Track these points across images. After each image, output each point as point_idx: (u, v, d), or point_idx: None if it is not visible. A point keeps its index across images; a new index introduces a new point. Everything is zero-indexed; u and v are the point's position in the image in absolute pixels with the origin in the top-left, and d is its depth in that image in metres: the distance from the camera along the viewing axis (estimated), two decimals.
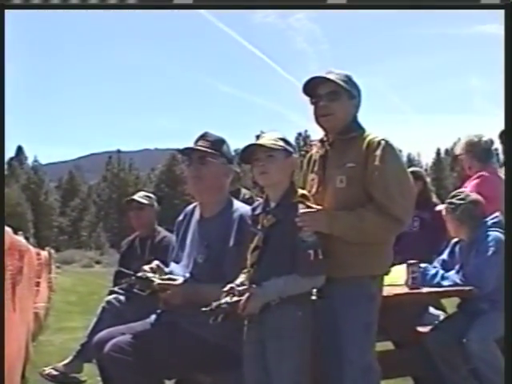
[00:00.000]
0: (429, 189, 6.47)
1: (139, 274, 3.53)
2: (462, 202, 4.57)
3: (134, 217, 5.90)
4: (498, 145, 5.59)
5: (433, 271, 4.51)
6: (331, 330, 3.30)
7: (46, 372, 5.56)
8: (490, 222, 4.49)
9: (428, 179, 6.67)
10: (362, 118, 3.50)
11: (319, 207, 3.25)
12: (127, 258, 5.77)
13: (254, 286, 3.14)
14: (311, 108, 3.44)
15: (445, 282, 4.42)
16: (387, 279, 3.57)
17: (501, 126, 4.75)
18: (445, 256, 4.75)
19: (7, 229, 4.46)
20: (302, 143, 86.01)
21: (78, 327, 8.77)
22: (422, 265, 4.45)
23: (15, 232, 5.52)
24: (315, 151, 3.57)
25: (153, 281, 3.47)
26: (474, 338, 4.19)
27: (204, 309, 3.07)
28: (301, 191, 3.33)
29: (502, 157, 5.82)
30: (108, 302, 5.55)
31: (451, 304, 4.99)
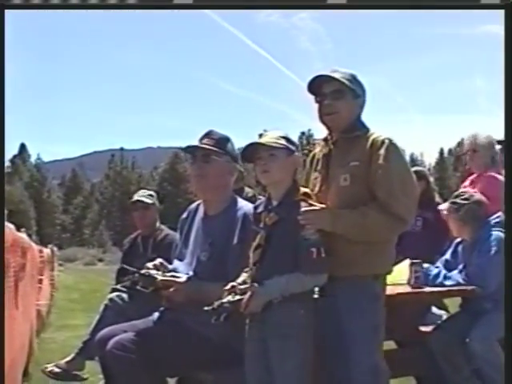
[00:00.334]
0: (432, 188, 6.46)
1: (142, 271, 3.53)
2: (466, 201, 4.56)
3: (138, 217, 5.90)
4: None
5: (435, 271, 4.50)
6: (335, 329, 3.30)
7: (49, 369, 5.56)
8: (492, 222, 4.49)
9: (431, 179, 6.66)
10: (366, 117, 3.49)
11: (322, 205, 3.25)
12: (130, 256, 5.77)
13: (255, 284, 3.13)
14: (315, 107, 3.44)
15: (447, 282, 4.41)
16: (389, 278, 3.57)
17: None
18: (447, 256, 4.74)
19: (10, 226, 4.47)
20: (305, 142, 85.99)
21: (81, 325, 8.79)
22: (425, 265, 4.45)
23: (18, 229, 5.53)
24: (319, 150, 3.58)
25: (156, 278, 3.47)
26: (477, 338, 4.19)
27: (206, 308, 3.07)
28: (303, 189, 3.33)
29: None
30: (110, 300, 5.55)
31: (453, 304, 4.98)
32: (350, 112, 3.39)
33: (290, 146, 3.31)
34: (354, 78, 3.41)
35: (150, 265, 3.60)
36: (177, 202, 68.14)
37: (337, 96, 3.35)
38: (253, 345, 3.26)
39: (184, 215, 3.99)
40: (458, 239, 4.73)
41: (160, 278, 3.48)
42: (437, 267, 4.59)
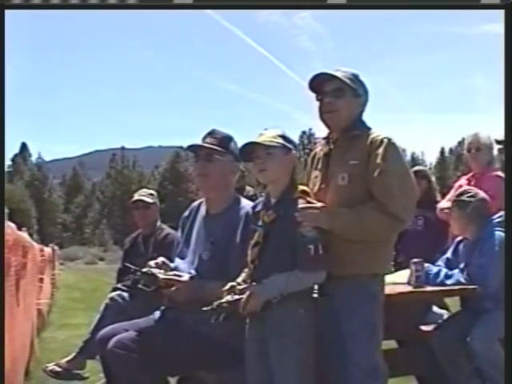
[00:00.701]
0: (433, 188, 6.46)
1: (144, 270, 3.52)
2: (472, 199, 4.55)
3: (139, 216, 5.90)
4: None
5: (435, 270, 4.50)
6: (334, 329, 3.29)
7: (49, 368, 5.57)
8: (495, 221, 4.48)
9: (433, 178, 6.66)
10: (366, 116, 3.50)
11: (320, 203, 3.25)
12: (130, 255, 5.77)
13: (254, 284, 3.13)
14: (315, 106, 3.44)
15: (449, 281, 4.41)
16: (390, 277, 3.56)
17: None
18: (449, 255, 4.74)
19: (11, 225, 4.47)
20: (306, 141, 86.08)
21: (81, 324, 8.78)
22: (425, 264, 4.44)
23: (19, 228, 5.54)
24: (319, 149, 3.58)
25: (158, 277, 3.47)
26: (478, 337, 4.18)
27: (205, 308, 3.07)
28: (301, 187, 3.33)
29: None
30: (111, 299, 5.55)
31: (454, 303, 4.98)
32: (350, 111, 3.39)
33: (287, 145, 3.31)
34: (355, 77, 3.41)
35: (152, 263, 3.60)
36: (178, 201, 68.18)
37: (337, 94, 3.35)
38: (252, 344, 3.26)
39: (186, 213, 3.99)
40: (459, 238, 4.72)
41: (162, 276, 3.48)
42: (438, 266, 4.59)
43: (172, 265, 3.72)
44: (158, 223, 5.89)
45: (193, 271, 3.60)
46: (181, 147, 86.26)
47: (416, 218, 5.96)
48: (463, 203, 4.57)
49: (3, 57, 3.98)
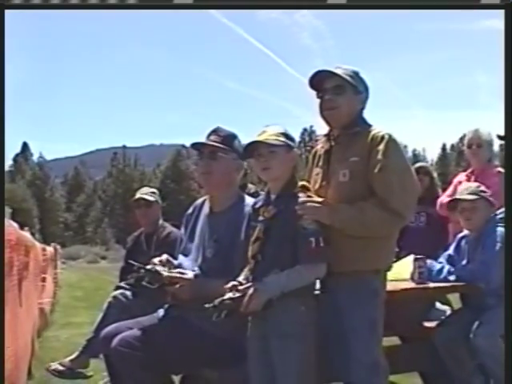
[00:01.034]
0: (436, 184, 6.45)
1: (148, 267, 3.51)
2: (483, 194, 4.54)
3: (141, 214, 5.90)
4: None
5: (438, 266, 4.49)
6: (335, 325, 3.30)
7: (53, 367, 5.57)
8: (498, 217, 4.47)
9: (435, 174, 6.64)
10: (367, 113, 3.51)
11: (320, 199, 3.25)
12: (133, 254, 5.75)
13: (255, 283, 3.12)
14: (316, 103, 3.44)
15: (451, 277, 4.40)
16: (392, 274, 3.56)
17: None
18: (451, 251, 4.72)
19: (14, 224, 4.47)
20: (307, 138, 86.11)
21: (84, 322, 8.81)
22: (428, 261, 4.44)
23: (21, 228, 5.54)
24: (320, 146, 3.58)
25: (162, 274, 3.46)
26: (481, 334, 4.18)
27: (207, 305, 3.07)
28: (301, 182, 3.34)
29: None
30: (114, 298, 5.55)
31: (457, 299, 4.98)
32: (350, 108, 3.39)
33: (290, 143, 3.32)
34: (355, 75, 3.41)
35: (156, 261, 3.59)
36: (179, 199, 68.15)
37: (338, 91, 3.35)
38: (255, 342, 3.26)
39: (189, 211, 3.99)
40: (461, 234, 4.72)
41: (166, 274, 3.47)
42: (440, 263, 4.58)
43: (175, 262, 3.72)
44: (161, 221, 5.88)
45: (196, 269, 3.60)
46: (182, 145, 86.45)
47: (418, 214, 5.96)
48: (479, 196, 4.54)
49: (3, 57, 3.98)
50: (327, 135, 3.50)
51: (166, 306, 3.74)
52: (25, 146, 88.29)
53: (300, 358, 3.12)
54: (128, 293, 5.52)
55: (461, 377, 4.34)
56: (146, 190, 6.10)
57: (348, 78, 3.35)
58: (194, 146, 3.76)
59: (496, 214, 4.50)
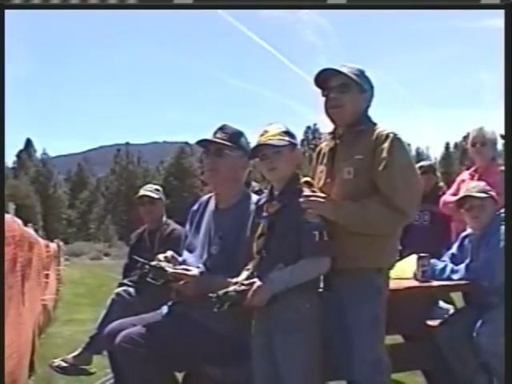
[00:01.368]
0: (440, 183, 6.45)
1: (153, 263, 3.52)
2: (490, 193, 4.53)
3: (145, 212, 5.90)
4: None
5: (441, 265, 4.49)
6: (339, 322, 3.31)
7: (56, 364, 5.58)
8: (502, 216, 4.47)
9: (438, 173, 6.64)
10: (371, 111, 3.51)
11: (324, 195, 3.26)
12: (136, 251, 5.75)
13: (260, 278, 3.12)
14: (320, 101, 3.45)
15: (455, 276, 4.40)
16: (395, 272, 3.56)
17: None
18: (454, 250, 4.72)
19: (18, 221, 4.48)
20: (310, 137, 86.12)
21: (87, 319, 8.82)
22: (431, 259, 4.44)
23: (25, 224, 5.54)
24: (325, 144, 3.58)
25: (167, 270, 3.46)
26: (484, 332, 4.18)
27: (211, 294, 3.07)
28: (305, 179, 3.36)
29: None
30: (117, 294, 5.55)
31: (460, 298, 4.98)
32: (355, 106, 3.39)
33: (293, 141, 3.33)
34: (361, 73, 3.42)
35: (161, 257, 3.60)
36: (182, 196, 68.27)
37: (343, 90, 3.36)
38: (259, 339, 3.27)
39: (195, 207, 3.99)
40: (465, 233, 4.71)
41: (171, 270, 3.48)
42: (443, 261, 4.58)
43: (180, 258, 3.73)
44: (164, 218, 5.89)
45: (201, 265, 3.61)
46: (185, 142, 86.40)
47: (422, 212, 5.95)
48: (488, 195, 4.53)
49: (3, 57, 4.00)
50: (332, 133, 3.51)
51: (170, 302, 3.74)
52: (28, 142, 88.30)
53: (304, 355, 3.12)
54: (131, 290, 5.53)
55: (464, 375, 4.35)
56: (150, 186, 6.10)
57: (353, 76, 3.36)
58: (201, 142, 3.76)
59: (500, 213, 4.49)
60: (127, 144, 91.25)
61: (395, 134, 3.29)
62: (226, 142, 3.66)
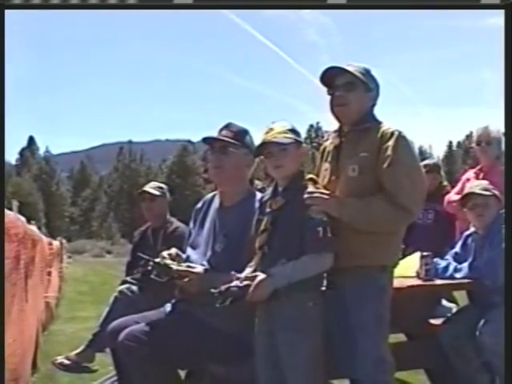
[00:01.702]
0: (444, 181, 6.43)
1: (157, 260, 3.51)
2: (494, 191, 4.53)
3: (146, 208, 5.89)
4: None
5: (444, 264, 4.48)
6: (342, 320, 3.30)
7: (58, 361, 5.58)
8: (504, 215, 4.46)
9: (442, 172, 6.63)
10: (375, 108, 3.50)
11: (328, 191, 3.26)
12: (140, 248, 5.74)
13: (262, 274, 3.11)
14: (323, 100, 3.46)
15: (458, 275, 4.39)
16: (398, 271, 3.56)
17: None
18: (457, 249, 4.71)
19: (22, 218, 4.48)
20: (313, 135, 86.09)
21: (90, 317, 8.82)
22: (434, 259, 4.43)
23: (28, 222, 5.55)
24: (329, 142, 3.58)
25: (171, 267, 3.46)
26: (487, 331, 4.17)
27: (213, 290, 3.07)
28: (309, 175, 3.36)
29: None
30: (120, 292, 5.55)
31: (463, 297, 4.97)
32: (361, 104, 3.40)
33: (298, 139, 3.33)
34: (367, 72, 3.43)
35: (165, 254, 3.60)
36: (185, 194, 68.32)
37: (349, 88, 3.36)
38: (262, 338, 3.26)
39: (199, 205, 3.99)
40: (468, 232, 4.71)
41: (175, 267, 3.48)
42: (446, 260, 4.57)
43: (184, 255, 3.73)
44: (168, 216, 5.88)
45: (205, 263, 3.61)
46: (188, 141, 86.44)
47: (426, 211, 5.93)
48: (492, 194, 4.52)
49: (3, 57, 4.01)
50: (337, 131, 3.51)
51: (173, 300, 3.74)
52: (31, 140, 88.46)
53: (307, 353, 3.12)
54: (134, 287, 5.52)
55: (466, 374, 4.34)
56: (152, 184, 6.10)
57: (359, 74, 3.36)
58: (206, 140, 3.76)
59: (503, 212, 4.49)
60: (130, 142, 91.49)
61: (400, 132, 3.29)
62: (231, 140, 3.66)
